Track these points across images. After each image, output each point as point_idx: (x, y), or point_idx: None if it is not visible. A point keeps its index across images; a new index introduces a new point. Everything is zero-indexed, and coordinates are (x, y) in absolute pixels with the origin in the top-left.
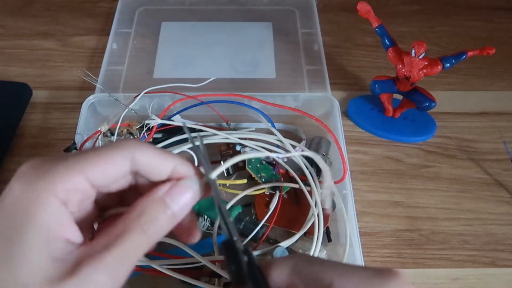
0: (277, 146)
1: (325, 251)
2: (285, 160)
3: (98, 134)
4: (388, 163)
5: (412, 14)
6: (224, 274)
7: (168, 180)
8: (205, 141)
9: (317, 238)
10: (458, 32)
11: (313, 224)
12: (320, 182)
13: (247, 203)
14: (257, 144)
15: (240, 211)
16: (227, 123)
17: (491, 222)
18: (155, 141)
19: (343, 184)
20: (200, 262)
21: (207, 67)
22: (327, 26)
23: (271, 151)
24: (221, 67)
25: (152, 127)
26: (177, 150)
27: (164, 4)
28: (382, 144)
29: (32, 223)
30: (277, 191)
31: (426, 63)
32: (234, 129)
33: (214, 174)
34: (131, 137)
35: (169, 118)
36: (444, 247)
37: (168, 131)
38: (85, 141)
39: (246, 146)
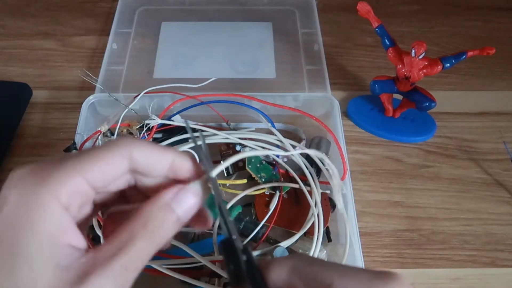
0: (277, 146)
1: (325, 251)
2: (285, 160)
3: (98, 134)
4: (388, 163)
5: (412, 14)
6: (224, 274)
7: (170, 180)
8: (206, 141)
9: (317, 238)
10: (458, 32)
11: (313, 224)
12: (327, 183)
13: (247, 203)
14: (257, 144)
15: (240, 211)
16: (227, 123)
17: (491, 222)
18: (155, 141)
19: (343, 184)
20: (200, 262)
21: (207, 67)
22: (327, 26)
23: (270, 151)
24: (221, 67)
25: (152, 127)
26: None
27: (164, 4)
28: (382, 144)
29: (34, 231)
30: (277, 191)
31: (426, 63)
32: (234, 129)
33: (214, 173)
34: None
35: (169, 118)
36: (444, 247)
37: (168, 131)
38: (85, 141)
39: (246, 146)
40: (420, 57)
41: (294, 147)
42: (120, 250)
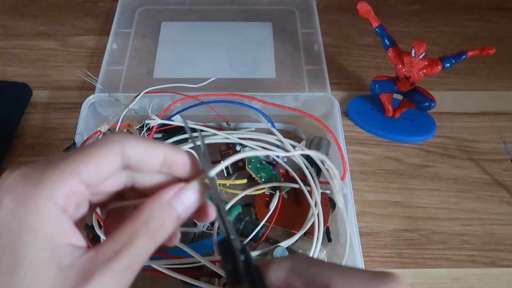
0: (277, 146)
1: (325, 251)
2: (285, 160)
3: (98, 134)
4: (388, 163)
5: (412, 14)
6: (224, 274)
7: (167, 178)
8: (205, 141)
9: (317, 238)
10: (458, 32)
11: (313, 224)
12: (327, 183)
13: (247, 203)
14: (257, 144)
15: (240, 211)
16: (227, 123)
17: (491, 222)
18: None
19: (343, 184)
20: (200, 262)
21: (207, 67)
22: (327, 26)
23: (270, 150)
24: (221, 67)
25: (152, 127)
26: None
27: (164, 4)
28: (382, 144)
29: (33, 233)
30: (277, 191)
31: (426, 63)
32: (234, 129)
33: (213, 172)
34: None
35: (169, 118)
36: (444, 247)
37: (168, 131)
38: (85, 141)
39: (246, 146)
40: (420, 57)
41: (294, 147)
42: (121, 249)
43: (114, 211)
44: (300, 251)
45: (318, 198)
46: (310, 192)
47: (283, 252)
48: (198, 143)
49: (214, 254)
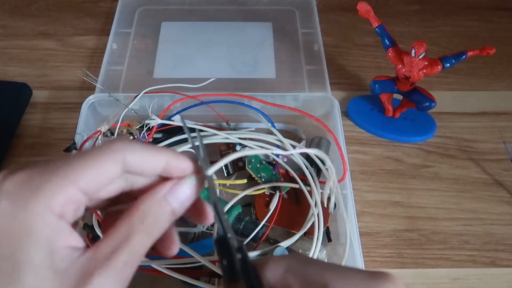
0: (277, 146)
1: (325, 251)
2: (285, 160)
3: (98, 134)
4: (388, 163)
5: (412, 14)
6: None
7: (165, 178)
8: (205, 141)
9: (317, 238)
10: (458, 32)
11: (313, 224)
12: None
13: (247, 203)
14: (257, 144)
15: (240, 211)
16: (227, 123)
17: (491, 222)
18: (155, 141)
19: (343, 184)
20: (200, 262)
21: (207, 67)
22: (327, 26)
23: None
24: (221, 67)
25: (152, 127)
26: (177, 150)
27: (164, 4)
28: (382, 144)
29: (32, 238)
30: (277, 191)
31: (426, 63)
32: (234, 129)
33: (211, 171)
34: (131, 137)
35: (169, 118)
36: (444, 247)
37: (168, 131)
38: (85, 141)
39: (246, 146)
40: (420, 57)
41: (294, 147)
42: (119, 247)
43: (113, 212)
44: (300, 251)
45: (318, 198)
46: (310, 192)
47: (283, 252)
48: (197, 143)
49: (214, 254)
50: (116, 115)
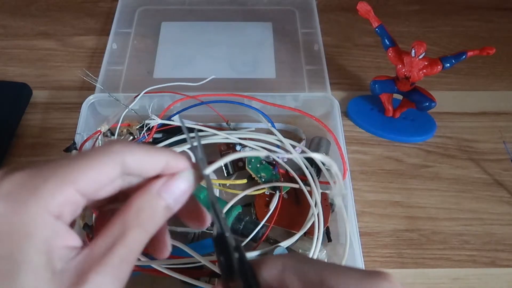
0: (277, 146)
1: (325, 251)
2: (285, 160)
3: (98, 134)
4: (388, 163)
5: (412, 14)
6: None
7: (160, 175)
8: (205, 141)
9: (317, 238)
10: (458, 32)
11: (313, 224)
12: (327, 183)
13: (247, 203)
14: (257, 144)
15: (240, 211)
16: (227, 123)
17: (491, 222)
18: (155, 141)
19: (343, 184)
20: (200, 262)
21: (207, 67)
22: (327, 26)
23: (271, 151)
24: (221, 67)
25: (152, 127)
26: (177, 150)
27: (164, 4)
28: (382, 144)
29: (30, 238)
30: (277, 191)
31: (426, 63)
32: (234, 129)
33: (209, 170)
34: (131, 137)
35: (169, 118)
36: (444, 247)
37: (168, 131)
38: (85, 141)
39: (246, 146)
40: (420, 57)
41: (294, 147)
42: (114, 244)
43: (107, 210)
44: (300, 251)
45: (318, 198)
46: (310, 192)
47: (283, 252)
48: (195, 143)
49: (214, 254)
50: (116, 115)
